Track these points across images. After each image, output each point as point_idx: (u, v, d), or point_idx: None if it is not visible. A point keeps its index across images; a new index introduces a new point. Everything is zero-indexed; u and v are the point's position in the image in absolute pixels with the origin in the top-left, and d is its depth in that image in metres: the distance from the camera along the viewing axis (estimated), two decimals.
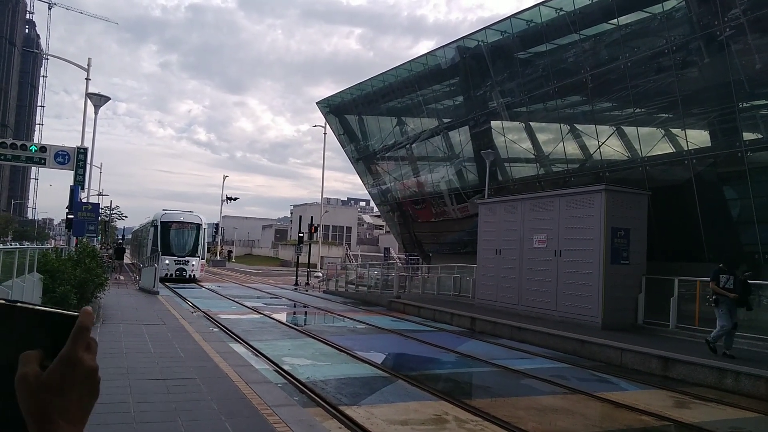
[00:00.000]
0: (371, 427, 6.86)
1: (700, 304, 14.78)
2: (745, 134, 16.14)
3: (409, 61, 29.62)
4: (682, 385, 10.51)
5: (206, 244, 37.09)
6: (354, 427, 6.88)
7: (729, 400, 9.45)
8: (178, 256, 32.59)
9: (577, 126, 21.93)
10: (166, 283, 29.03)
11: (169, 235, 33.00)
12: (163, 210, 35.46)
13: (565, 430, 7.45)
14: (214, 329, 14.41)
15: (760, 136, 16.43)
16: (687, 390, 10.08)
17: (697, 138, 17.77)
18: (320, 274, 40.87)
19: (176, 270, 32.16)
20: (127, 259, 49.73)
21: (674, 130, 18.38)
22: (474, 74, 26.10)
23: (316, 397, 8.24)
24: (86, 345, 0.72)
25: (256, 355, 11.35)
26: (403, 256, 38.61)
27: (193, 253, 33.39)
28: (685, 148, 17.54)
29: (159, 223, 33.07)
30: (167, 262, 31.93)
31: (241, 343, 12.72)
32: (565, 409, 8.58)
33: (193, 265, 32.94)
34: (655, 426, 7.91)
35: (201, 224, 34.34)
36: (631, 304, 15.85)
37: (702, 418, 8.31)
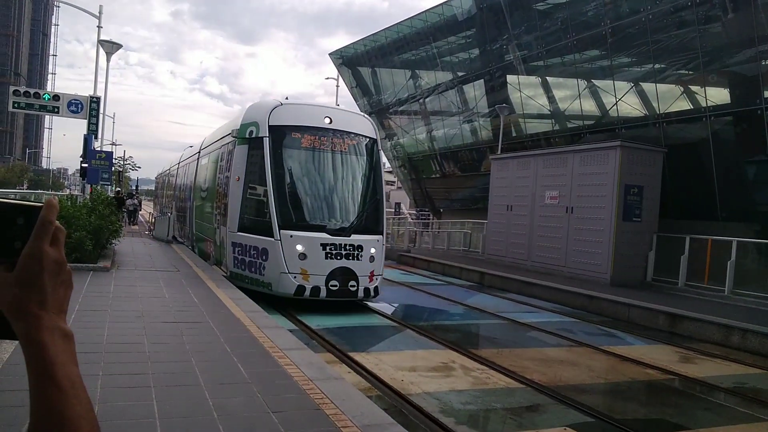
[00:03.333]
0: (380, 373, 7.02)
1: (711, 262, 14.77)
2: (766, 93, 15.77)
3: (424, 12, 28.96)
4: (688, 341, 10.61)
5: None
6: (363, 372, 7.05)
7: (735, 357, 9.54)
8: (332, 233, 11.31)
9: (595, 81, 21.50)
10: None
11: (297, 170, 11.91)
12: (265, 100, 13.27)
13: (569, 380, 7.58)
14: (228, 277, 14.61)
15: None
16: (693, 346, 10.18)
17: (716, 96, 17.40)
18: None
19: (330, 276, 10.97)
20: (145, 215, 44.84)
21: (693, 87, 17.99)
22: (490, 26, 25.51)
23: (326, 343, 8.42)
24: (51, 238, 0.73)
25: (268, 303, 11.54)
26: (414, 211, 38.64)
27: (370, 223, 12.13)
28: (704, 105, 17.20)
29: (267, 131, 11.59)
30: (300, 248, 11.04)
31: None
32: (571, 360, 8.71)
33: (371, 254, 11.60)
34: (659, 379, 8.03)
35: (376, 139, 13.52)
36: (641, 261, 15.87)
37: (707, 373, 8.42)
